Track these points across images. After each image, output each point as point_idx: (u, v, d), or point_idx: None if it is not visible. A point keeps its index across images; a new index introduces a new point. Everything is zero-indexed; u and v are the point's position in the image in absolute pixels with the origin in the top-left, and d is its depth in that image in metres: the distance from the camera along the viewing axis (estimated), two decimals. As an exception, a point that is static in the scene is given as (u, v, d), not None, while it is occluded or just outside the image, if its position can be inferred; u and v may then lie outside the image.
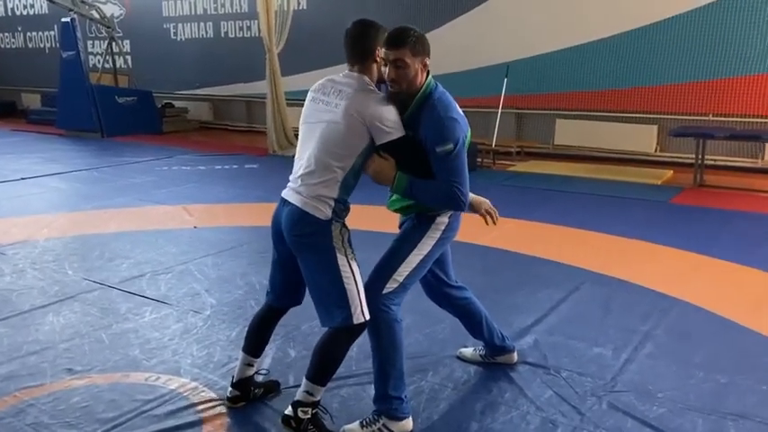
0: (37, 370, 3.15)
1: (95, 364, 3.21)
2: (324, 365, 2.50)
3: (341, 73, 2.55)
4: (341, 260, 2.41)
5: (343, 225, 2.48)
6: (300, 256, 2.48)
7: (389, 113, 2.40)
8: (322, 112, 2.46)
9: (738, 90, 7.84)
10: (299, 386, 2.57)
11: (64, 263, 4.73)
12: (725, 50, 7.83)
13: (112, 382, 3.04)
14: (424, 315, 3.53)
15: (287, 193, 2.50)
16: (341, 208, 2.46)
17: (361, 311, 2.43)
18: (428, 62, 2.47)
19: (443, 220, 2.62)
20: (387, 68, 2.43)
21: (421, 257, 2.59)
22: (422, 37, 2.45)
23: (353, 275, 2.43)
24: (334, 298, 2.42)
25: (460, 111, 2.51)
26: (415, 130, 2.44)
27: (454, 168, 2.41)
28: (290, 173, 2.54)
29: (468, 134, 2.52)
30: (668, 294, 4.02)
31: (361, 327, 2.47)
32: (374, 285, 2.54)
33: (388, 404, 2.56)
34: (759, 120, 7.80)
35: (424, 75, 2.48)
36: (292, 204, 2.44)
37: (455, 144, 2.39)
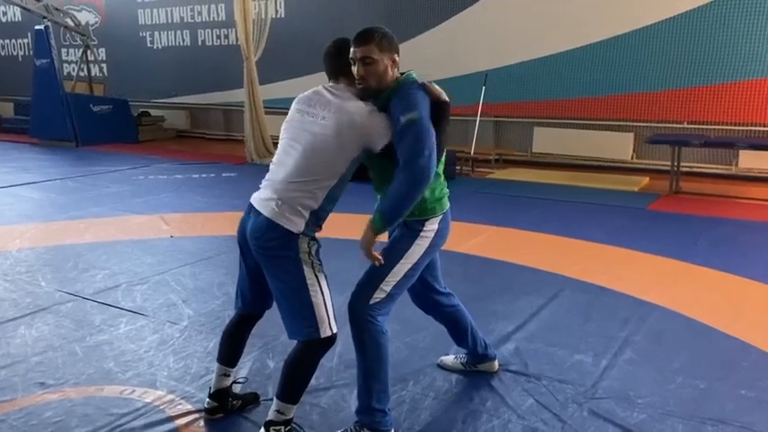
0: (8, 384, 3.07)
1: (69, 377, 3.14)
2: (293, 382, 2.46)
3: (326, 84, 2.55)
4: (308, 273, 2.38)
5: (312, 238, 2.44)
6: (266, 266, 2.44)
7: (382, 120, 2.40)
8: (308, 123, 2.44)
9: (712, 98, 7.96)
10: (278, 398, 2.53)
11: (37, 274, 4.64)
12: (700, 59, 7.95)
13: (86, 395, 2.97)
14: (405, 323, 3.50)
15: (257, 202, 2.45)
16: (316, 221, 2.42)
17: (328, 325, 2.40)
18: (397, 59, 2.48)
19: (432, 226, 2.59)
20: (355, 67, 2.43)
21: (409, 266, 2.56)
22: (388, 34, 2.46)
23: (320, 289, 2.40)
24: (300, 311, 2.39)
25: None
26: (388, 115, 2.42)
27: (418, 135, 2.31)
28: (269, 182, 2.50)
29: None
30: (647, 300, 4.05)
31: (329, 340, 2.43)
32: (360, 296, 2.51)
33: (371, 417, 2.53)
34: (732, 127, 7.93)
35: (394, 72, 2.48)
36: (261, 214, 2.39)
37: (420, 113, 2.34)
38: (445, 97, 2.51)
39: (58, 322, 3.80)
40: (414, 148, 2.32)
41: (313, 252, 2.42)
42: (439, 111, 2.46)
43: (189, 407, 2.86)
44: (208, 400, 2.77)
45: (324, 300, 2.40)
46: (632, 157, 8.68)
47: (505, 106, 9.23)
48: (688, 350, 3.39)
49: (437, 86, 2.53)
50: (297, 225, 2.36)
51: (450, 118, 2.56)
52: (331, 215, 2.50)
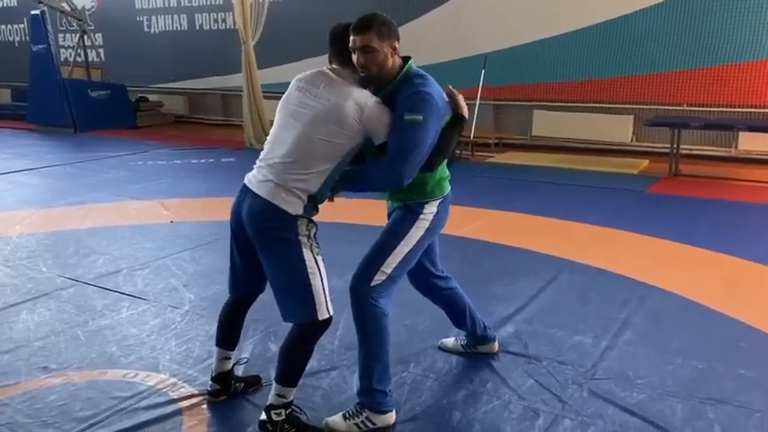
0: (11, 369, 3.09)
1: (72, 361, 3.16)
2: (291, 365, 2.47)
3: (329, 66, 2.52)
4: (306, 255, 2.37)
5: (311, 220, 2.43)
6: (263, 249, 2.42)
7: (388, 115, 2.39)
8: (311, 101, 2.40)
9: (712, 80, 7.93)
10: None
11: (38, 260, 4.65)
12: (699, 41, 7.91)
13: (89, 379, 2.99)
14: (405, 306, 3.51)
15: (253, 183, 2.42)
16: (314, 204, 2.42)
17: (325, 307, 2.41)
18: (397, 46, 2.46)
19: (431, 209, 2.60)
20: (355, 55, 2.41)
21: (409, 249, 2.57)
22: (388, 21, 2.45)
23: (319, 271, 2.40)
24: (298, 294, 2.39)
25: (441, 93, 2.49)
26: (392, 108, 2.42)
27: (412, 139, 2.34)
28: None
29: (446, 119, 2.51)
30: (646, 282, 4.06)
31: (326, 323, 2.44)
32: (362, 278, 2.52)
33: (371, 397, 2.56)
34: (732, 109, 7.91)
35: (395, 59, 2.47)
36: (258, 196, 2.37)
37: (424, 118, 2.35)
38: (465, 113, 2.54)
39: (59, 307, 3.81)
40: (402, 148, 2.35)
41: (312, 235, 2.42)
42: (454, 122, 2.50)
43: (191, 390, 2.88)
44: (210, 382, 2.80)
45: (322, 282, 2.40)
46: (632, 140, 8.66)
47: (505, 89, 9.19)
48: (687, 331, 3.42)
49: (462, 98, 2.55)
50: (295, 207, 2.35)
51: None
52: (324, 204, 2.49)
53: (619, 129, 8.64)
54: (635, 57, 8.29)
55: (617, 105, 8.60)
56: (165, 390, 2.88)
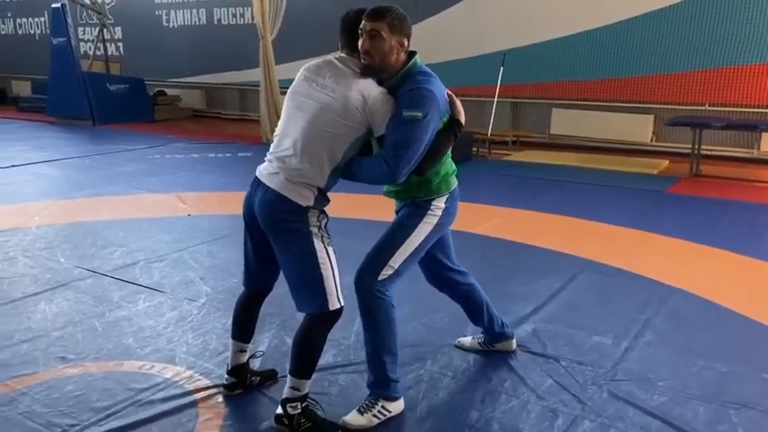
0: (29, 358, 3.10)
1: (89, 352, 3.16)
2: (304, 356, 2.46)
3: (337, 55, 2.50)
4: (317, 245, 2.37)
5: (322, 211, 2.43)
6: (276, 240, 2.42)
7: (389, 106, 2.37)
8: (316, 92, 2.39)
9: (735, 80, 7.82)
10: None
11: (56, 250, 4.67)
12: (721, 40, 7.80)
13: (106, 370, 2.99)
14: (422, 304, 3.49)
15: (264, 175, 2.42)
16: (323, 197, 2.41)
17: (336, 298, 2.41)
18: (406, 44, 2.44)
19: (440, 205, 2.59)
20: (361, 40, 2.39)
21: (417, 244, 2.56)
22: (403, 16, 2.43)
23: (329, 261, 2.40)
24: (309, 284, 2.39)
25: (443, 91, 2.46)
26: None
27: (410, 136, 2.31)
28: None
29: (445, 119, 2.48)
30: (666, 283, 4.00)
31: (337, 313, 2.44)
32: (369, 272, 2.51)
33: (386, 387, 2.56)
34: (755, 110, 7.79)
35: (400, 55, 2.43)
36: (269, 188, 2.37)
37: (424, 116, 2.32)
38: (462, 119, 2.52)
39: (77, 298, 3.83)
40: (399, 144, 2.32)
41: (323, 225, 2.42)
42: (450, 126, 2.49)
43: (207, 382, 2.87)
44: (226, 376, 2.79)
45: (332, 273, 2.40)
46: (652, 140, 8.57)
47: (523, 87, 9.13)
48: (709, 333, 3.36)
49: (460, 103, 2.53)
50: (306, 199, 2.36)
51: (468, 99, 2.54)
52: (338, 196, 2.47)
53: (639, 128, 8.54)
54: (656, 56, 8.20)
55: (637, 105, 8.51)
56: (181, 382, 2.88)
